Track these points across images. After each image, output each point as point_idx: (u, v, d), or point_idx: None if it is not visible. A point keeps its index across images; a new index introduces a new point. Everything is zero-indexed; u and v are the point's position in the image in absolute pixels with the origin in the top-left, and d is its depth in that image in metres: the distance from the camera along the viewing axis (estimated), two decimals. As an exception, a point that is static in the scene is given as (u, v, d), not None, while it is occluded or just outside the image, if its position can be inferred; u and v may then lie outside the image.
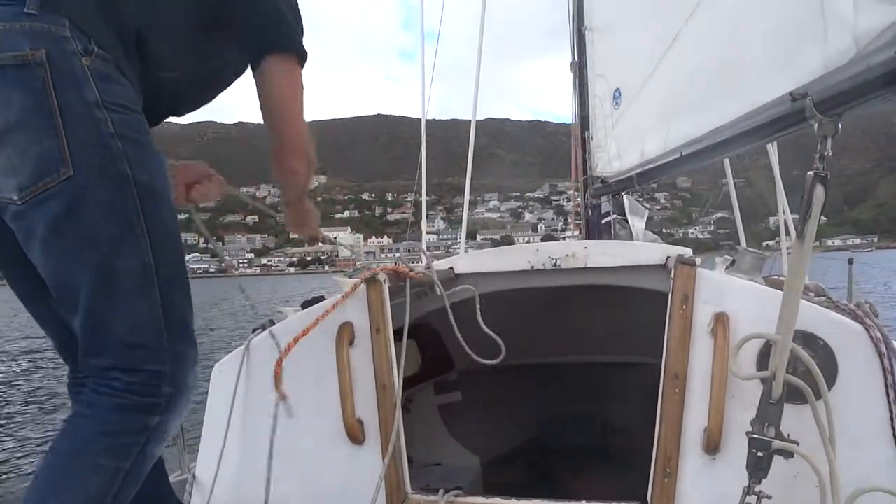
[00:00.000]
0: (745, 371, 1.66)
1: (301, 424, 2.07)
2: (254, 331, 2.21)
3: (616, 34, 3.74)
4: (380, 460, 1.96)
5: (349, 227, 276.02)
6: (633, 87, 3.30)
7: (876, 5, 1.29)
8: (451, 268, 2.50)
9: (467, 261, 2.55)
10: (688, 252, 2.15)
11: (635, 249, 2.36)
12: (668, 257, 2.15)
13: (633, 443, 2.01)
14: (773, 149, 4.67)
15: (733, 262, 2.07)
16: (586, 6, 4.19)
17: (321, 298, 2.21)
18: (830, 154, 1.33)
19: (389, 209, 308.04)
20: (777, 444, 1.41)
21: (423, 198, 5.73)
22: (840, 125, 1.36)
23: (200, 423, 2.29)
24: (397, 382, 1.99)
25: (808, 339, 1.71)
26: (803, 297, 1.73)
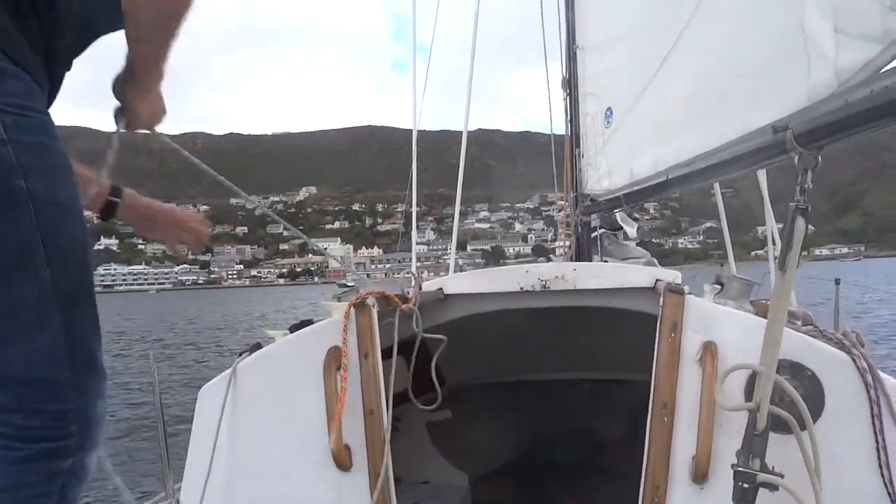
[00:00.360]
0: (731, 402, 1.67)
1: (288, 449, 2.05)
2: (240, 354, 2.19)
3: (608, 54, 3.78)
4: (367, 487, 1.95)
5: (339, 238, 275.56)
6: (624, 106, 3.34)
7: (856, 41, 1.32)
8: (441, 289, 2.52)
9: (457, 282, 2.56)
10: (677, 277, 2.18)
11: (623, 272, 2.40)
12: (657, 280, 2.17)
13: (622, 458, 2.02)
14: (762, 173, 4.72)
15: (721, 287, 2.09)
16: (578, 26, 4.24)
17: (309, 322, 2.19)
18: (811, 187, 1.35)
19: (380, 220, 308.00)
20: (762, 476, 1.42)
21: (414, 210, 5.73)
22: (820, 158, 1.37)
23: (183, 445, 2.25)
24: (385, 409, 1.98)
25: (795, 369, 1.72)
26: (790, 326, 1.77)
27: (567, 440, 3.44)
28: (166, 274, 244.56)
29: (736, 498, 1.44)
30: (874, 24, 1.26)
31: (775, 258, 4.71)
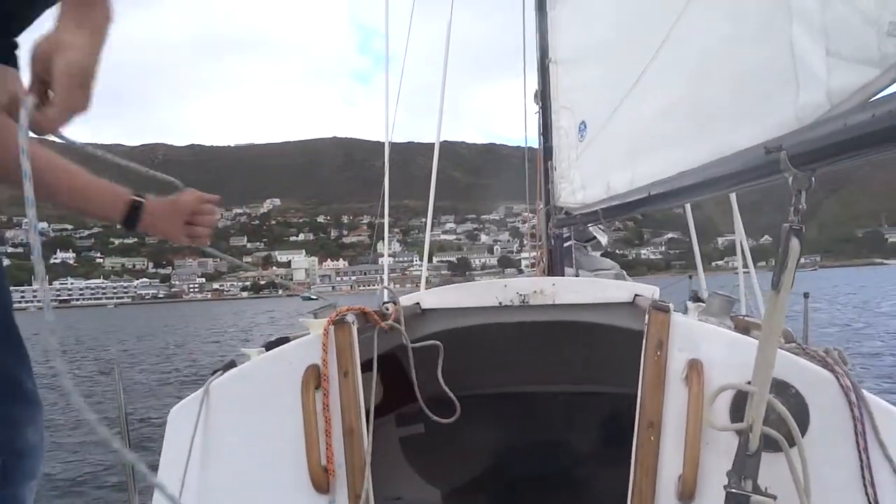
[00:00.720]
0: (720, 422, 1.67)
1: (263, 471, 1.99)
2: (213, 372, 2.12)
3: (582, 68, 3.80)
4: None
5: (304, 251, 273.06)
6: (599, 120, 3.35)
7: (849, 65, 1.32)
8: (418, 303, 2.49)
9: (434, 297, 2.53)
10: (655, 292, 2.18)
11: (601, 287, 2.40)
12: (637, 296, 2.17)
13: (597, 472, 2.01)
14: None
15: (696, 300, 2.09)
16: (551, 40, 4.26)
17: (285, 340, 2.14)
18: (805, 208, 1.35)
19: (345, 232, 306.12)
20: (755, 498, 1.41)
21: (386, 222, 5.71)
22: (813, 179, 1.38)
23: (153, 466, 2.17)
24: (366, 427, 1.94)
25: (779, 387, 1.71)
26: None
27: (542, 453, 3.42)
28: (125, 288, 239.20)
29: None
30: (870, 48, 1.26)
31: (745, 271, 4.82)
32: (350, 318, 1.96)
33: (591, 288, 2.37)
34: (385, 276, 6.26)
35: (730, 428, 1.62)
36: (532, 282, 2.46)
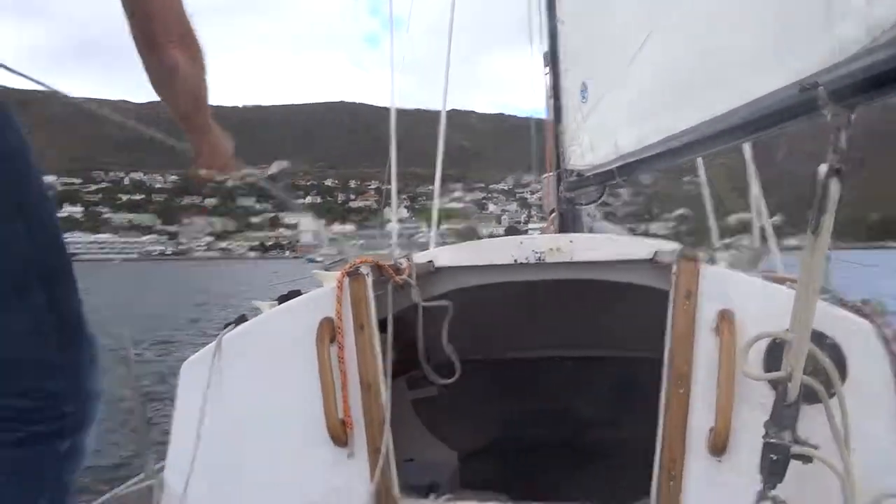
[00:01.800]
0: (756, 371, 1.60)
1: (279, 426, 1.97)
2: (225, 326, 2.10)
3: (588, 25, 3.67)
4: (365, 462, 1.88)
5: (311, 213, 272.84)
6: (608, 78, 3.24)
7: None
8: (431, 261, 2.42)
9: (448, 254, 2.46)
10: (675, 249, 2.06)
11: (620, 244, 2.31)
12: (656, 252, 2.09)
13: (613, 436, 1.99)
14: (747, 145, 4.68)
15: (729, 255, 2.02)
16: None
17: (298, 292, 2.11)
18: (845, 146, 1.28)
19: (352, 196, 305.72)
20: (795, 448, 1.36)
21: (394, 186, 5.66)
22: (853, 117, 1.29)
23: (159, 422, 2.14)
24: (384, 381, 1.91)
25: (816, 338, 1.62)
26: None
27: (559, 418, 3.38)
28: (133, 244, 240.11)
29: (765, 472, 1.38)
30: None
31: (761, 230, 4.73)
32: (365, 269, 1.92)
33: (609, 245, 2.28)
34: (394, 236, 6.19)
35: (769, 377, 1.54)
36: (549, 239, 2.37)
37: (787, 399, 1.38)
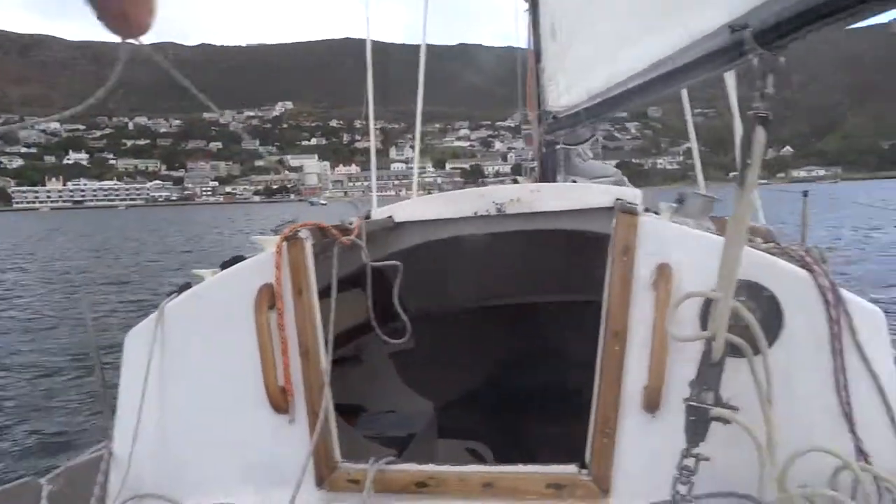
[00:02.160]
0: (683, 332, 1.61)
1: (222, 392, 1.98)
2: (168, 295, 2.09)
3: None
4: (306, 428, 1.88)
5: (316, 155, 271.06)
6: (577, 19, 3.21)
7: None
8: (391, 217, 2.42)
9: (408, 209, 2.46)
10: (637, 196, 2.06)
11: (584, 192, 2.30)
12: (618, 200, 2.07)
13: (587, 382, 2.04)
14: (730, 77, 4.56)
15: (681, 204, 2.03)
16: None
17: (241, 258, 2.09)
18: (772, 91, 1.22)
19: (358, 137, 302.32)
20: (715, 411, 1.36)
21: (372, 129, 5.58)
22: (783, 59, 1.25)
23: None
24: (324, 349, 1.91)
25: (752, 290, 1.64)
26: (749, 244, 1.69)
27: (531, 365, 3.41)
28: (138, 190, 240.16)
29: (688, 432, 1.39)
30: None
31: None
32: (304, 233, 1.90)
33: (572, 193, 2.28)
34: (373, 183, 6.09)
35: (692, 338, 1.56)
36: (512, 189, 2.37)
37: (711, 359, 1.36)
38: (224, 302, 1.97)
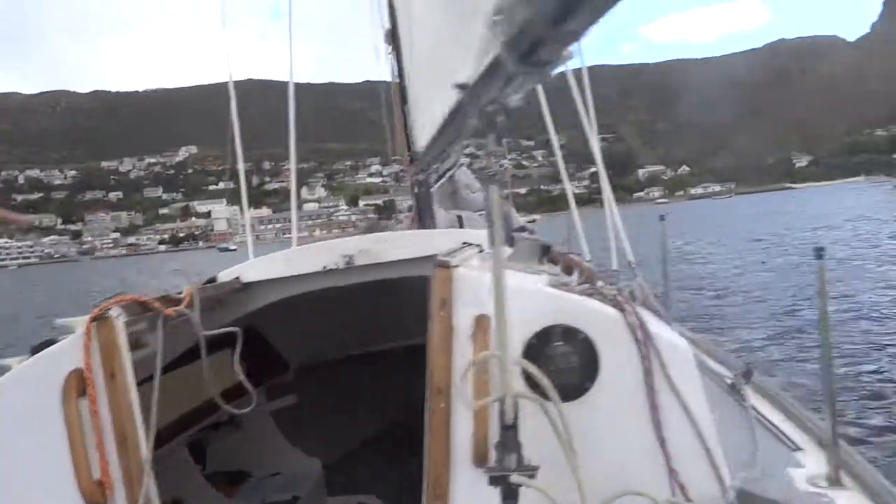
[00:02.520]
0: (473, 402, 1.60)
1: (34, 492, 1.79)
2: None
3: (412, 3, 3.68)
4: None
5: (224, 200, 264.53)
6: (425, 60, 3.26)
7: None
8: (238, 277, 2.37)
9: (256, 268, 2.42)
10: (482, 238, 2.05)
11: (429, 239, 2.35)
12: (438, 253, 2.05)
13: None
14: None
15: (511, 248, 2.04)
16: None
17: (52, 342, 1.93)
18: (497, 150, 1.19)
19: (267, 178, 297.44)
20: (514, 477, 1.29)
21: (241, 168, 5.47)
22: (501, 118, 1.18)
23: None
24: (145, 432, 1.78)
25: (567, 334, 1.67)
26: (563, 288, 1.75)
27: (415, 410, 3.41)
28: (31, 247, 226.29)
29: (502, 498, 1.32)
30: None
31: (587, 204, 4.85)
32: (115, 311, 1.77)
33: (419, 241, 2.33)
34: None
35: (479, 405, 1.54)
36: (360, 240, 2.41)
37: (506, 421, 1.32)
38: (30, 392, 1.80)
